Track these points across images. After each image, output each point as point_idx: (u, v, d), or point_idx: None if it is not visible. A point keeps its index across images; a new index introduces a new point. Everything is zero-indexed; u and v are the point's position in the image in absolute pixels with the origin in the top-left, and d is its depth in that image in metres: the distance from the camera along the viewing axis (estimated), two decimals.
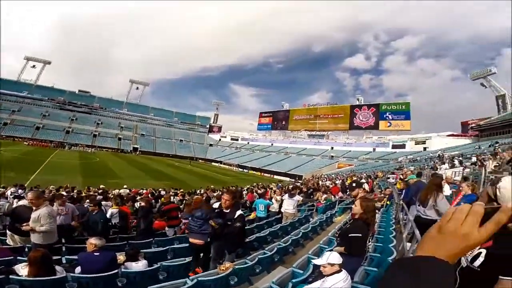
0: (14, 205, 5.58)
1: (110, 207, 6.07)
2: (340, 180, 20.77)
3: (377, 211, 8.30)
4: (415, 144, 52.26)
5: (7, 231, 4.64)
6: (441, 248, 0.46)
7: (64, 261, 3.80)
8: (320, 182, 22.62)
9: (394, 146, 55.12)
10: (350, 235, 2.95)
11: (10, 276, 2.70)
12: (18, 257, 3.59)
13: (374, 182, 16.32)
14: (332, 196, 11.57)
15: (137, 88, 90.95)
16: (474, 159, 15.12)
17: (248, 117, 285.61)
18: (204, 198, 7.64)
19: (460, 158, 18.80)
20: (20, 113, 61.38)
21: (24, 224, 3.97)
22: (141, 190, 14.38)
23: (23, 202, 4.87)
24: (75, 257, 3.56)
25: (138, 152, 64.57)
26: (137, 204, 7.59)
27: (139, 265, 3.49)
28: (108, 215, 5.60)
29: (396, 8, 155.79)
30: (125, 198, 8.10)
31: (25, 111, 62.90)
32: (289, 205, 7.66)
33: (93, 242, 3.33)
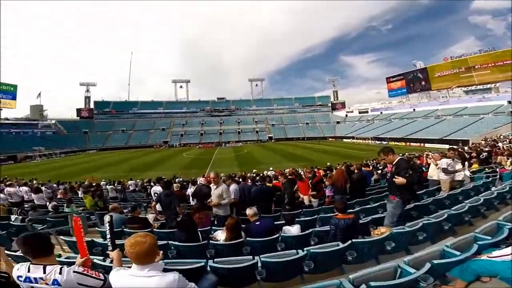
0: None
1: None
2: None
3: None
4: None
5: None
6: None
7: None
8: (501, 144, 16.70)
9: None
10: None
11: (210, 241, 3.44)
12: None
13: None
14: None
15: (257, 85, 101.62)
16: None
17: (370, 86, 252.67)
18: (344, 169, 7.61)
19: None
20: (187, 125, 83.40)
21: (209, 200, 5.16)
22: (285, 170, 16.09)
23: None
24: None
25: (273, 140, 72.94)
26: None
27: (295, 228, 3.84)
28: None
29: None
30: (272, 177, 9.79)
31: (189, 123, 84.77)
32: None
33: (248, 213, 3.96)
